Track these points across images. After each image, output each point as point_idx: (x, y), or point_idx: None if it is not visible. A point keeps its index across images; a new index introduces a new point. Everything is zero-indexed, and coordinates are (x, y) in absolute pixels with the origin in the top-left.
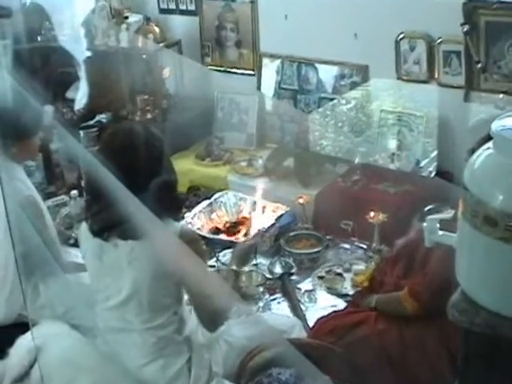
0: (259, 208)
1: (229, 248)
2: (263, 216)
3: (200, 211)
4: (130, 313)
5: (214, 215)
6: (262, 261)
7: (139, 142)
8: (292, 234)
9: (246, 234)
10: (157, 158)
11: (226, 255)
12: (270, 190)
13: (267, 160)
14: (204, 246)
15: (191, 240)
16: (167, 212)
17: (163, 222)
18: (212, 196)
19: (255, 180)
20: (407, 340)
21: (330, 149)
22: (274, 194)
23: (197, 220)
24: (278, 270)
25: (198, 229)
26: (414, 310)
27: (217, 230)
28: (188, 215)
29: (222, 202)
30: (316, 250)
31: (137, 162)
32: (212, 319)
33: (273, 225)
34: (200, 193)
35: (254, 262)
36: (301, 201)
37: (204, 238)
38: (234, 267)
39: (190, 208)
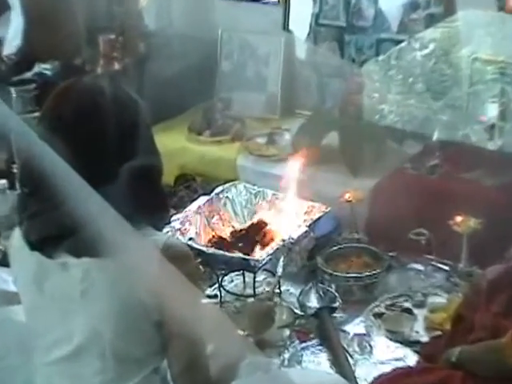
0: (284, 208)
1: (237, 270)
2: (290, 220)
3: (195, 213)
4: (85, 369)
5: (215, 219)
6: (288, 288)
7: (103, 106)
8: (335, 248)
9: (263, 247)
10: (130, 131)
11: (233, 280)
12: (302, 181)
13: (297, 135)
14: (200, 266)
15: (180, 257)
16: (145, 215)
17: (138, 230)
18: (213, 190)
19: (278, 165)
20: None
21: (394, 118)
22: (308, 186)
23: (189, 226)
24: (314, 303)
25: (191, 240)
26: None
27: (220, 242)
28: (176, 219)
29: (227, 198)
30: (372, 272)
31: (99, 137)
32: None
33: (305, 234)
34: (195, 185)
35: (277, 290)
36: (348, 197)
37: (200, 253)
38: (249, 332)
39: (179, 208)
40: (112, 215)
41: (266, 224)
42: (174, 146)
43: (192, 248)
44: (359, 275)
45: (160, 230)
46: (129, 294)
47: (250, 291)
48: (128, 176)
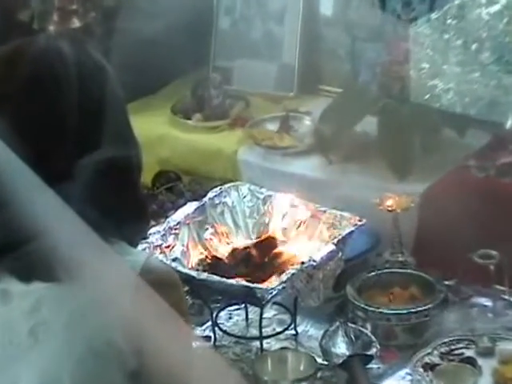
0: (303, 219)
1: (238, 303)
2: (311, 236)
3: (181, 224)
4: None
5: (209, 233)
6: (307, 329)
7: (61, 77)
8: (371, 274)
9: (274, 272)
10: (98, 110)
11: (232, 317)
12: (327, 183)
13: (321, 120)
14: (187, 296)
15: (165, 285)
16: (118, 225)
17: (109, 246)
18: (206, 193)
19: (295, 161)
20: None
21: (451, 98)
22: (335, 190)
23: (174, 242)
24: (342, 349)
25: (176, 260)
26: None
27: (215, 264)
28: (155, 232)
29: (226, 205)
30: (421, 308)
31: (57, 118)
32: None
33: (331, 255)
34: (180, 186)
35: (292, 331)
36: (390, 206)
37: (188, 279)
38: None
39: (159, 217)
40: (75, 224)
41: (277, 241)
42: (152, 132)
43: (179, 272)
44: (404, 312)
45: (135, 246)
46: (95, 334)
47: (254, 332)
48: (96, 171)
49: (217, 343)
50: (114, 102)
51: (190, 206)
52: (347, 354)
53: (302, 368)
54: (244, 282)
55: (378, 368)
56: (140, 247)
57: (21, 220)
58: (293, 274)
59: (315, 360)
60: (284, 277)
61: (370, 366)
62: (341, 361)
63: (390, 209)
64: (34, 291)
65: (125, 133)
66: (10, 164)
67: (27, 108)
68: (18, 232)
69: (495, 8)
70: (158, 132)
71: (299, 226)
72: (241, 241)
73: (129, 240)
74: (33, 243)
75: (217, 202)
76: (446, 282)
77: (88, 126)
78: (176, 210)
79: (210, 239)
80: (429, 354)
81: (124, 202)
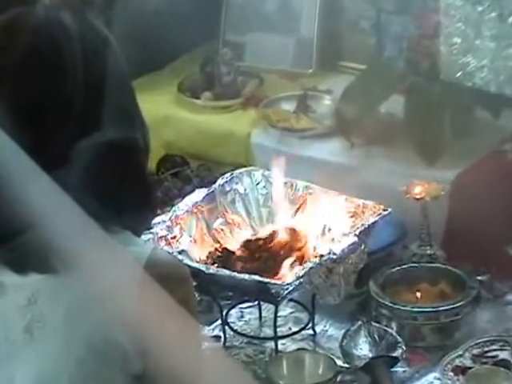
0: (322, 208)
1: (251, 300)
2: (331, 227)
3: (188, 213)
4: None
5: (219, 223)
6: (326, 328)
7: (61, 48)
8: (396, 268)
9: (290, 267)
10: (101, 85)
11: (243, 315)
12: (349, 169)
13: (342, 99)
14: (195, 293)
15: (173, 280)
16: (122, 213)
17: (111, 236)
18: (215, 180)
19: (314, 144)
20: None
21: (486, 76)
22: (358, 176)
23: (180, 233)
24: (364, 350)
25: (183, 253)
26: None
27: (226, 257)
28: (159, 222)
29: (237, 192)
30: (452, 306)
31: (57, 95)
32: None
33: (353, 247)
34: (188, 171)
35: (310, 331)
36: (419, 194)
37: (196, 273)
38: None
39: (165, 205)
40: (73, 211)
41: (294, 232)
42: (157, 113)
43: (188, 266)
44: (433, 309)
45: (139, 236)
46: (95, 332)
47: (268, 332)
48: (97, 154)
49: (227, 344)
50: (119, 78)
51: (198, 194)
52: (370, 355)
53: (320, 371)
54: (257, 277)
55: (404, 371)
56: (145, 239)
57: (15, 208)
58: (311, 268)
59: (335, 362)
60: (301, 271)
61: (395, 369)
62: (363, 363)
63: (418, 197)
64: (29, 283)
65: (131, 111)
66: (2, 147)
67: (24, 82)
68: (12, 221)
69: None
70: (163, 112)
71: (318, 216)
72: (254, 232)
73: (133, 229)
74: (28, 233)
75: (227, 189)
76: (479, 278)
77: (91, 104)
78: (183, 197)
79: (221, 230)
80: (460, 356)
81: (129, 187)
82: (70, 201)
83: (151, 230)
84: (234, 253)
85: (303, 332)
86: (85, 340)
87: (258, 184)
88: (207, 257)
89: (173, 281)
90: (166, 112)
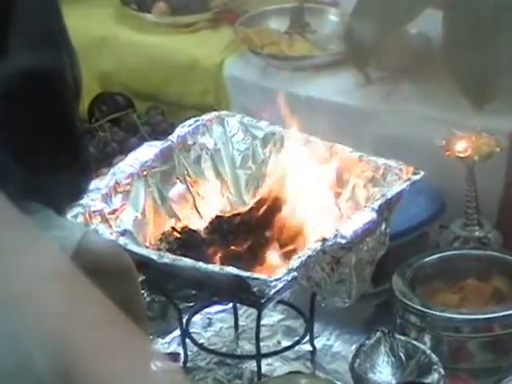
0: (325, 169)
1: (222, 301)
2: (339, 197)
3: (134, 177)
4: None
5: (176, 191)
6: (331, 342)
7: None
8: (432, 257)
9: (280, 254)
10: None
11: (211, 323)
12: (364, 115)
13: (355, 15)
14: (144, 291)
15: (109, 272)
16: (41, 182)
17: (27, 216)
18: (174, 129)
19: (314, 79)
20: None
21: None
22: (376, 125)
23: (123, 206)
24: (385, 373)
25: (125, 234)
26: None
27: (188, 241)
28: (93, 189)
29: (204, 147)
30: (510, 311)
31: None
32: None
33: (369, 227)
34: (134, 117)
35: (306, 344)
36: (463, 150)
37: (145, 263)
38: None
39: (101, 166)
40: None
41: (284, 204)
42: (91, 33)
43: (127, 252)
44: (482, 317)
45: (65, 214)
46: (8, 340)
47: (248, 347)
48: (4, 90)
49: (189, 364)
50: None
51: (148, 149)
52: (393, 382)
53: None
54: (233, 269)
55: None
56: (71, 214)
57: None
58: (309, 257)
59: None
60: (295, 261)
61: None
62: None
63: (462, 155)
64: None
65: (53, 31)
66: None
67: None
68: None
69: None
70: (99, 32)
71: (319, 181)
72: (227, 204)
73: (56, 206)
74: None
75: (190, 142)
76: None
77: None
78: (126, 154)
79: (180, 201)
80: None
81: (49, 142)
82: None
83: (80, 202)
84: (198, 234)
85: (297, 347)
86: None
87: (233, 136)
88: (161, 240)
89: (111, 275)
90: (102, 32)
